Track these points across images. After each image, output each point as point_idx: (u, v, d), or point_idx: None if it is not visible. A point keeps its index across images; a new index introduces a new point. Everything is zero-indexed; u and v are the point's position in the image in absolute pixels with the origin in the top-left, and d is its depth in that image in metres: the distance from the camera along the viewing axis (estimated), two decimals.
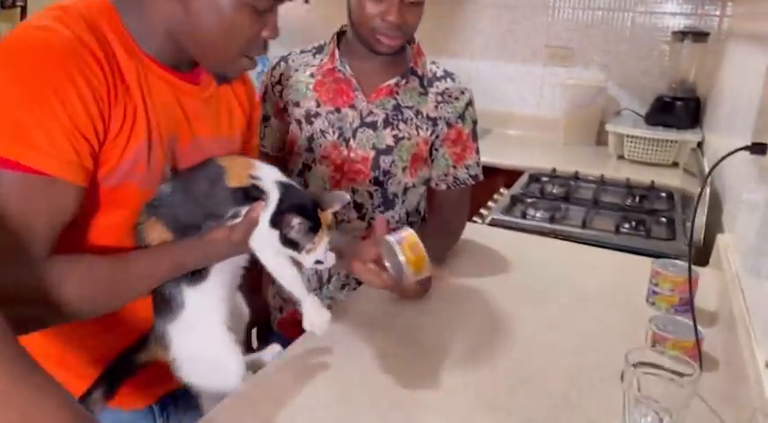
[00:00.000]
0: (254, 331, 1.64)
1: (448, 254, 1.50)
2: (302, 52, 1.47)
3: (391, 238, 1.03)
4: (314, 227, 0.91)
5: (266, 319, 1.61)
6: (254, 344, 1.63)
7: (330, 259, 0.96)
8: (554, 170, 2.39)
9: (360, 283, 1.44)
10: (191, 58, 0.95)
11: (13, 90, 0.77)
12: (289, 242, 0.91)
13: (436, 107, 1.42)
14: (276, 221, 0.90)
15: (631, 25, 2.87)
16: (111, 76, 0.84)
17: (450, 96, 1.43)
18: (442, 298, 1.31)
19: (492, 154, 2.32)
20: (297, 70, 1.44)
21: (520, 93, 3.12)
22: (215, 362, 0.99)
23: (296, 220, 0.89)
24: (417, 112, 1.41)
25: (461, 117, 1.44)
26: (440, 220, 1.50)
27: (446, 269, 1.44)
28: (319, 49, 1.46)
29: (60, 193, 0.81)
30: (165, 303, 0.97)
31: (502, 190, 2.24)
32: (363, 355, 1.10)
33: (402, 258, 1.01)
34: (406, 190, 1.45)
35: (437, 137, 1.43)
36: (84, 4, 0.87)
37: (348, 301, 1.33)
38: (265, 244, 0.93)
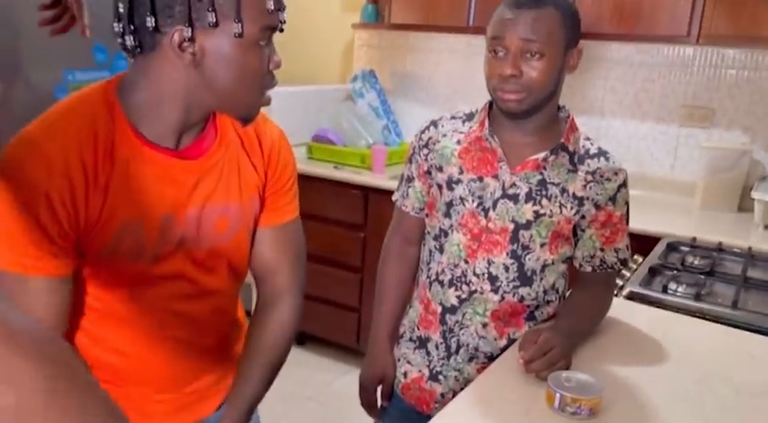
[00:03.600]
0: (378, 388, 1.60)
1: (594, 329, 1.44)
2: (452, 118, 1.47)
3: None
4: None
5: (392, 378, 1.57)
6: (378, 401, 1.61)
7: None
8: (694, 239, 2.24)
9: (489, 358, 1.41)
10: (198, 124, 1.00)
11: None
12: None
13: (585, 186, 1.36)
14: None
15: None
16: (93, 169, 0.91)
17: (601, 176, 1.37)
18: None
19: None
20: (445, 135, 1.45)
21: (653, 153, 2.98)
22: None
23: None
24: (563, 190, 1.36)
25: (612, 199, 1.38)
26: (585, 298, 1.45)
27: (589, 349, 1.36)
28: (469, 117, 1.46)
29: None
30: None
31: (636, 257, 2.12)
32: None
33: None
34: (544, 267, 1.40)
35: (583, 217, 1.39)
36: (87, 101, 0.94)
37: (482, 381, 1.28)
38: None
